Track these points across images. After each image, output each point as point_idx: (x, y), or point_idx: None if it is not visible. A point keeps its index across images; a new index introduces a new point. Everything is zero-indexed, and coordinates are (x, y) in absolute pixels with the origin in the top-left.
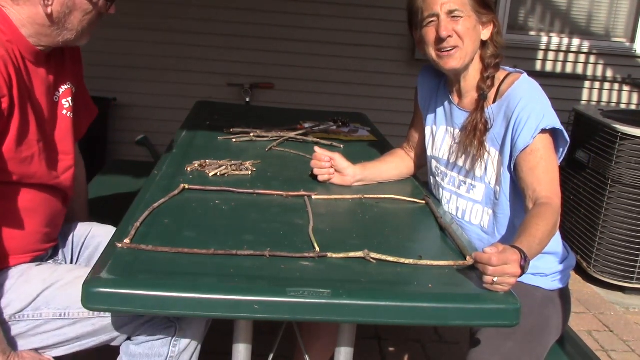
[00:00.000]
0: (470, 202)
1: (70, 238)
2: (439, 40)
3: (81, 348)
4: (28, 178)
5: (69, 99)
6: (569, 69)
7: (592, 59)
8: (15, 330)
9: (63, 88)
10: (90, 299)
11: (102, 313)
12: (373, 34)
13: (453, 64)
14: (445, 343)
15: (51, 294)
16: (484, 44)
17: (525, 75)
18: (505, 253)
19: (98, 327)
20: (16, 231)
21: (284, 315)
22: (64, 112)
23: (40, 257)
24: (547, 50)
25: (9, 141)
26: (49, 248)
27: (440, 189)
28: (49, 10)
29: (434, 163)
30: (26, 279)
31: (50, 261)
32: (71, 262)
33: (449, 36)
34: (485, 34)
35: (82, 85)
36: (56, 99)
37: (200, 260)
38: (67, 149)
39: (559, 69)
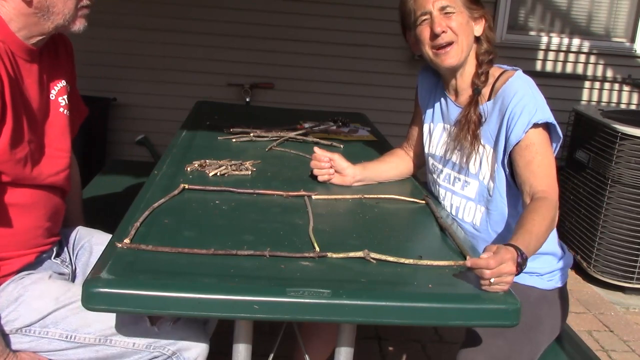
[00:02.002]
0: (463, 199)
1: (72, 239)
2: (434, 36)
3: None
4: (23, 179)
5: (65, 97)
6: (569, 69)
7: (592, 59)
8: (17, 344)
9: (59, 86)
10: (90, 299)
11: (108, 341)
12: (373, 34)
13: (450, 61)
14: (445, 343)
15: (61, 314)
16: (477, 40)
17: (520, 71)
18: (499, 253)
19: (101, 355)
20: (16, 227)
21: (284, 315)
22: (61, 109)
23: (47, 254)
24: (547, 50)
25: (2, 143)
26: (54, 244)
27: (437, 186)
28: None
29: (430, 160)
30: (39, 293)
31: (58, 260)
32: (71, 264)
33: (443, 32)
34: (478, 29)
35: (74, 85)
36: (52, 96)
37: (200, 260)
38: (64, 146)
39: (559, 69)
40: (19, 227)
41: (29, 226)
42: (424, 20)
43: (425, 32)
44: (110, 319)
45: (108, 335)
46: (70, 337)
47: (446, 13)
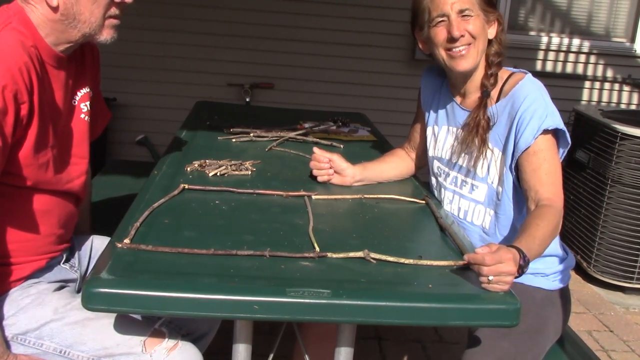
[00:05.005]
0: (472, 203)
1: (85, 246)
2: (451, 39)
3: None
4: (43, 184)
5: (87, 103)
6: (569, 69)
7: (592, 59)
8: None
9: (82, 92)
10: (90, 299)
11: None
12: (373, 34)
13: (466, 65)
14: (445, 343)
15: (58, 327)
16: (489, 42)
17: (529, 75)
18: (498, 252)
19: None
20: (29, 234)
21: (284, 315)
22: (82, 115)
23: (57, 260)
24: (547, 50)
25: (26, 147)
26: (64, 250)
27: (443, 190)
28: (54, 2)
29: (435, 163)
30: (40, 302)
31: (67, 265)
32: (85, 270)
33: (462, 36)
34: (491, 32)
35: (98, 90)
36: (74, 102)
37: (200, 260)
38: (83, 153)
39: (559, 69)
40: (34, 234)
41: (44, 233)
42: (441, 22)
43: (440, 34)
44: (105, 339)
45: (101, 356)
46: (64, 353)
47: (464, 16)
